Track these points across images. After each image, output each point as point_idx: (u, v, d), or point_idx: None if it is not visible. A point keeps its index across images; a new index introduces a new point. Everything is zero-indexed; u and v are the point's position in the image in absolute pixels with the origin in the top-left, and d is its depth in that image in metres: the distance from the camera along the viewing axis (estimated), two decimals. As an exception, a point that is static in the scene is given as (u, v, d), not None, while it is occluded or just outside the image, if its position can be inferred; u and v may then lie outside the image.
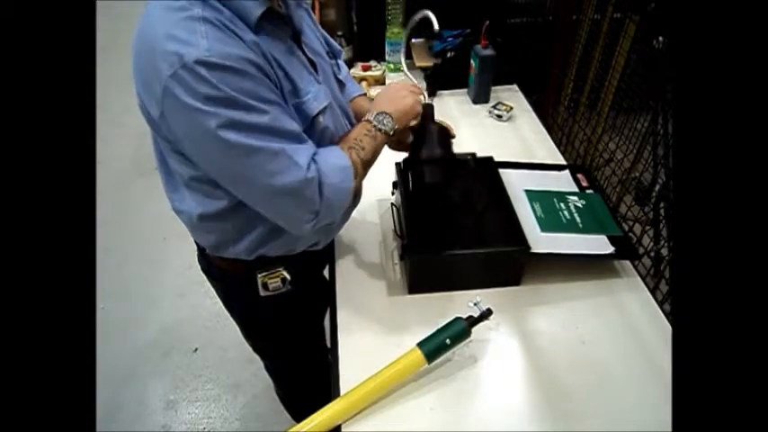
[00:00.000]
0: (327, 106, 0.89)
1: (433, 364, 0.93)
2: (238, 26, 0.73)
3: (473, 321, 0.94)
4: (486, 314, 0.95)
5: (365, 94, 1.15)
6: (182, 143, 0.78)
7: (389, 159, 1.22)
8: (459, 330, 0.93)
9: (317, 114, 0.87)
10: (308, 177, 0.80)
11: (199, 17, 0.69)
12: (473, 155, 1.23)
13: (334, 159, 0.87)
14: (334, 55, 1.01)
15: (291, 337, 1.22)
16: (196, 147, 0.76)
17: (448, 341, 0.92)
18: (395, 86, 1.00)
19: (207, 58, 0.67)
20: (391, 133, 0.95)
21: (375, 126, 0.94)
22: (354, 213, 1.28)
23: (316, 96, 0.86)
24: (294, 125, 0.80)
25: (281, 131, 0.77)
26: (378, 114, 0.94)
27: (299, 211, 0.83)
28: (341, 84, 1.01)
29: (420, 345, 0.92)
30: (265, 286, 0.99)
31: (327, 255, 1.17)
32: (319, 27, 1.01)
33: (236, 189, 0.82)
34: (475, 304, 0.96)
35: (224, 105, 0.70)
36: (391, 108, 0.96)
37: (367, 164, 0.94)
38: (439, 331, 0.93)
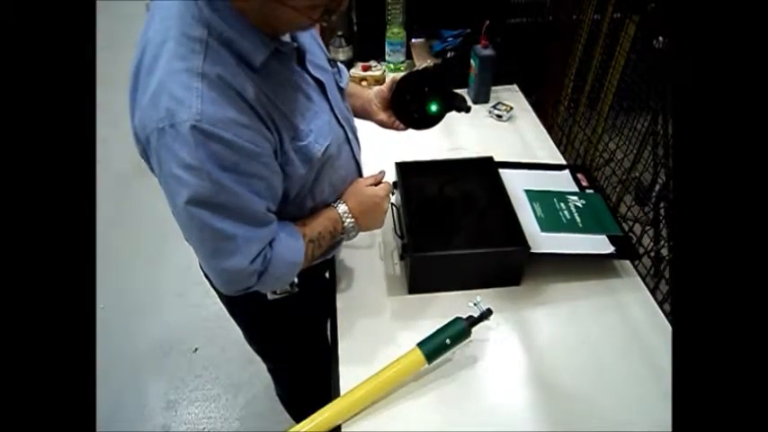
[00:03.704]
0: (330, 141, 0.88)
1: (433, 364, 0.93)
2: (241, 74, 0.72)
3: (473, 321, 0.94)
4: (486, 314, 0.95)
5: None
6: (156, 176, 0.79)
7: (389, 159, 1.23)
8: (459, 330, 0.93)
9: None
10: (248, 270, 0.81)
11: (198, 72, 0.68)
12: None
13: (290, 255, 0.87)
14: (334, 62, 1.00)
15: (294, 339, 1.22)
16: (164, 191, 0.77)
17: (448, 341, 0.92)
18: (381, 199, 0.99)
19: (196, 123, 0.67)
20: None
21: (343, 233, 0.97)
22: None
23: (317, 137, 0.84)
24: (261, 207, 0.79)
25: (244, 214, 0.77)
26: (351, 228, 0.97)
27: (229, 285, 0.84)
28: (343, 91, 0.99)
29: (420, 345, 0.92)
30: (274, 290, 0.99)
31: (331, 258, 1.17)
32: (318, 36, 0.99)
33: (187, 238, 0.84)
34: (475, 304, 0.95)
35: (198, 177, 0.70)
36: (366, 225, 1.00)
37: (314, 258, 0.95)
38: (439, 331, 0.93)
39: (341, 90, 0.97)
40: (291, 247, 0.88)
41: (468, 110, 1.08)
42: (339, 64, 1.01)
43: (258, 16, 0.72)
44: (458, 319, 0.94)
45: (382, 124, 1.11)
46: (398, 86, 1.04)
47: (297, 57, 0.84)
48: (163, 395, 1.92)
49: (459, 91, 1.71)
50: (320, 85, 0.88)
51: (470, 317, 0.95)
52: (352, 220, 0.96)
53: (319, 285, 1.16)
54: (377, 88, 1.10)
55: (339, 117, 0.92)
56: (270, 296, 1.01)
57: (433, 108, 1.04)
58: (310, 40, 0.90)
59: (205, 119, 0.67)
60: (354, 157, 0.99)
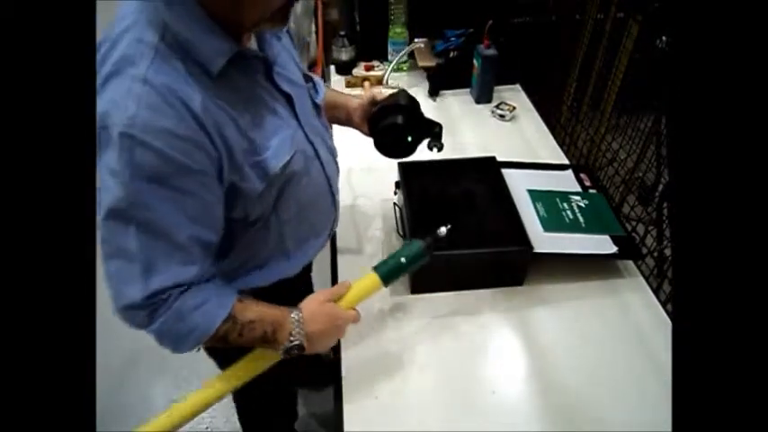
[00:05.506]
0: (292, 156, 0.81)
1: (433, 363, 0.93)
2: (192, 83, 0.68)
3: (430, 243, 0.90)
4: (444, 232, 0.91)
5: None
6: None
7: (392, 160, 1.22)
8: (415, 251, 0.88)
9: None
10: (142, 304, 0.74)
11: (141, 78, 0.64)
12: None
13: (204, 319, 0.76)
14: (309, 78, 0.93)
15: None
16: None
17: (403, 260, 0.87)
18: (342, 320, 0.86)
19: (126, 129, 0.63)
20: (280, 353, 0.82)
21: (277, 344, 0.81)
22: (356, 214, 1.28)
23: (277, 152, 0.79)
24: (184, 230, 0.71)
25: (158, 234, 0.70)
26: (292, 347, 0.80)
27: (120, 313, 0.78)
28: (318, 108, 0.94)
29: (376, 268, 0.88)
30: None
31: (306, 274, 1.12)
32: (294, 46, 0.94)
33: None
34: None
35: (117, 184, 0.66)
36: (314, 349, 0.83)
37: (228, 344, 0.82)
38: (395, 254, 0.89)
39: (316, 106, 0.93)
40: (211, 313, 0.76)
41: (440, 148, 1.09)
42: (316, 78, 0.95)
43: (224, 6, 0.67)
44: (415, 240, 0.90)
45: (364, 134, 1.09)
46: (374, 115, 1.04)
47: (264, 69, 0.79)
48: (164, 395, 1.92)
49: (461, 91, 1.73)
50: (288, 99, 0.83)
51: (429, 238, 0.90)
52: (300, 340, 0.81)
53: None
54: (360, 101, 1.08)
55: (308, 134, 0.87)
56: None
57: (408, 140, 1.05)
58: (286, 56, 0.86)
59: (137, 125, 0.64)
60: (326, 175, 0.93)
